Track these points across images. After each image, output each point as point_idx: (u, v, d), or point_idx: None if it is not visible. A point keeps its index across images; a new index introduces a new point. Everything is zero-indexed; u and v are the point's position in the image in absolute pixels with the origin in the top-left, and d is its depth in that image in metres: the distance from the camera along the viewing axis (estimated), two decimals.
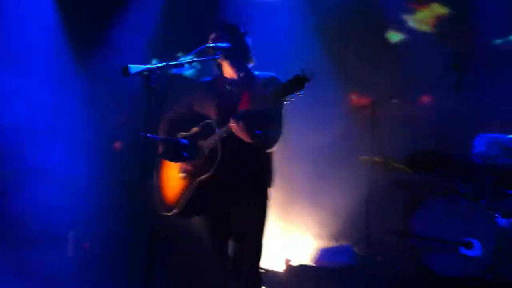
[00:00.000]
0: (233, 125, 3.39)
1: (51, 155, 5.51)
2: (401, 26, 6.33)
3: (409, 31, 6.32)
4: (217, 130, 3.51)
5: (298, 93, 3.22)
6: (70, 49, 6.17)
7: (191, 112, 3.76)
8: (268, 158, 3.67)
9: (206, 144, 3.56)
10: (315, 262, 5.60)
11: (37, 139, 5.29)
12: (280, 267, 5.29)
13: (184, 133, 3.69)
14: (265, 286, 4.78)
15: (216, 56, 3.64)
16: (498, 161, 5.11)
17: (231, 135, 3.45)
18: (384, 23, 6.35)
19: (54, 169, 5.43)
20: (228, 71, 3.74)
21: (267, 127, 3.53)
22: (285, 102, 3.30)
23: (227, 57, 3.65)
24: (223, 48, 3.62)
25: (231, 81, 3.72)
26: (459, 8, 6.17)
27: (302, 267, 5.21)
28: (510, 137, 5.21)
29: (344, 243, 5.73)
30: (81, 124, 5.98)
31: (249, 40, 3.75)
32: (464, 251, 4.86)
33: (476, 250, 4.83)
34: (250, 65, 3.77)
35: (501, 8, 5.97)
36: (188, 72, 6.16)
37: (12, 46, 5.74)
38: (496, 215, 4.93)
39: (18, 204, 5.36)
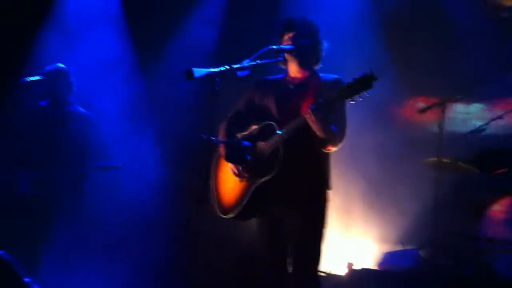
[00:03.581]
0: (309, 115, 3.32)
1: (125, 154, 5.55)
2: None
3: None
4: (278, 131, 3.47)
5: (365, 93, 3.16)
6: (136, 50, 6.22)
7: (251, 108, 3.71)
8: (327, 159, 3.61)
9: (267, 145, 3.52)
10: (379, 266, 5.50)
11: (112, 140, 5.34)
12: (342, 271, 5.21)
13: (243, 133, 3.67)
14: None
15: (280, 59, 3.61)
16: None
17: (293, 136, 3.40)
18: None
19: (127, 168, 5.43)
20: (293, 71, 3.69)
21: (336, 125, 3.46)
22: (351, 102, 3.23)
23: (295, 57, 3.60)
24: (286, 50, 3.58)
25: (295, 80, 3.68)
26: None
27: (364, 271, 5.10)
28: None
29: (408, 246, 5.60)
30: (146, 124, 6.06)
31: (324, 43, 3.70)
32: None
33: None
34: (316, 67, 3.71)
35: None
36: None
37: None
38: None
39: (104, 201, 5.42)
